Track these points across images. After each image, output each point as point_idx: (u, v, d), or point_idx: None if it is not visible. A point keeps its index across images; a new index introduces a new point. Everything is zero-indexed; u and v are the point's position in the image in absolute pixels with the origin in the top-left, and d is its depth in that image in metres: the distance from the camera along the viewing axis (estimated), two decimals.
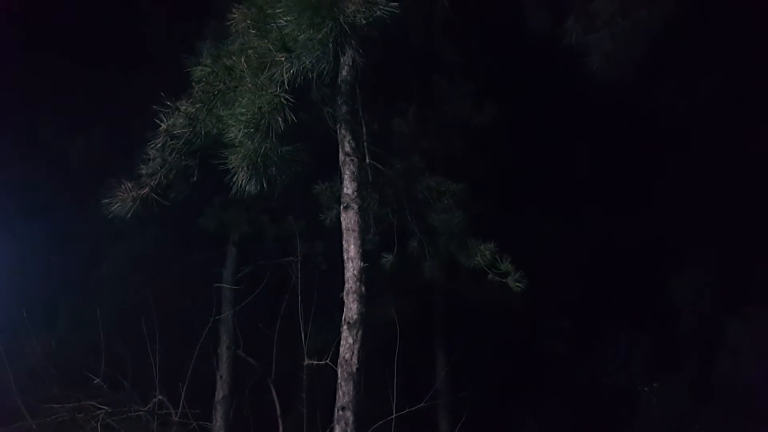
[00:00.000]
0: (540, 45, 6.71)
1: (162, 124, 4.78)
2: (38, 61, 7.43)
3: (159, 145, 4.82)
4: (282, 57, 4.15)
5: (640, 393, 10.43)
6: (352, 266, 4.87)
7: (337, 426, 4.64)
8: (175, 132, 4.78)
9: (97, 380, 6.79)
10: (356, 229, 4.94)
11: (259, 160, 4.18)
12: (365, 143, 5.64)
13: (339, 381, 4.71)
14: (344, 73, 5.26)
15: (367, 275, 4.89)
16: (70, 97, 7.42)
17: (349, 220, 4.97)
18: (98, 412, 6.88)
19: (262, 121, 4.14)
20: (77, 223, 7.34)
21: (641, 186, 10.12)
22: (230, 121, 4.23)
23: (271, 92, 4.14)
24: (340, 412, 4.64)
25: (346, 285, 4.86)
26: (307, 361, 6.59)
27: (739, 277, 9.96)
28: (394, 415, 6.63)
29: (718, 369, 9.78)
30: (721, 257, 10.09)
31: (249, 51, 4.36)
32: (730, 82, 8.35)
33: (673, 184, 9.84)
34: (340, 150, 5.17)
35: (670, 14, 5.46)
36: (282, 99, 4.13)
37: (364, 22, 3.91)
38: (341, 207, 5.04)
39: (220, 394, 7.97)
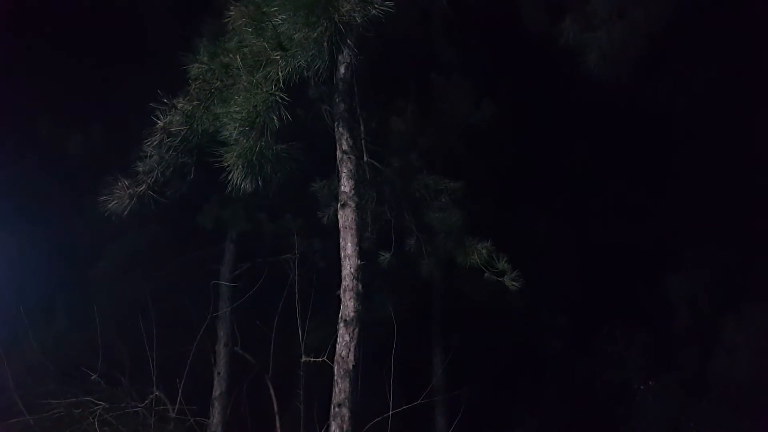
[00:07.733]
0: (537, 44, 6.72)
1: (159, 122, 4.77)
2: (35, 59, 7.40)
3: (156, 142, 4.82)
4: (277, 55, 4.15)
5: (636, 391, 10.45)
6: (349, 264, 4.90)
7: (333, 423, 4.67)
8: (172, 129, 4.78)
9: (94, 376, 6.82)
10: (353, 226, 4.97)
11: (254, 158, 4.20)
12: (363, 141, 5.65)
13: (335, 378, 4.74)
14: (342, 71, 5.28)
15: (364, 273, 4.94)
16: (67, 94, 7.38)
17: (346, 217, 5.00)
18: (95, 407, 6.91)
19: (257, 120, 4.15)
20: (75, 220, 7.34)
21: (638, 184, 10.11)
22: (225, 119, 4.24)
23: (267, 91, 4.15)
24: (337, 409, 4.67)
25: (343, 282, 4.90)
26: (304, 358, 6.61)
27: (735, 274, 9.97)
28: (390, 412, 6.67)
29: (714, 366, 9.79)
30: (717, 255, 10.09)
31: (245, 49, 4.37)
32: (727, 81, 8.35)
33: (670, 183, 9.84)
34: (338, 148, 5.20)
35: (667, 14, 5.48)
36: (277, 97, 4.14)
37: (359, 21, 3.92)
38: (339, 205, 5.08)
39: (217, 390, 7.97)
